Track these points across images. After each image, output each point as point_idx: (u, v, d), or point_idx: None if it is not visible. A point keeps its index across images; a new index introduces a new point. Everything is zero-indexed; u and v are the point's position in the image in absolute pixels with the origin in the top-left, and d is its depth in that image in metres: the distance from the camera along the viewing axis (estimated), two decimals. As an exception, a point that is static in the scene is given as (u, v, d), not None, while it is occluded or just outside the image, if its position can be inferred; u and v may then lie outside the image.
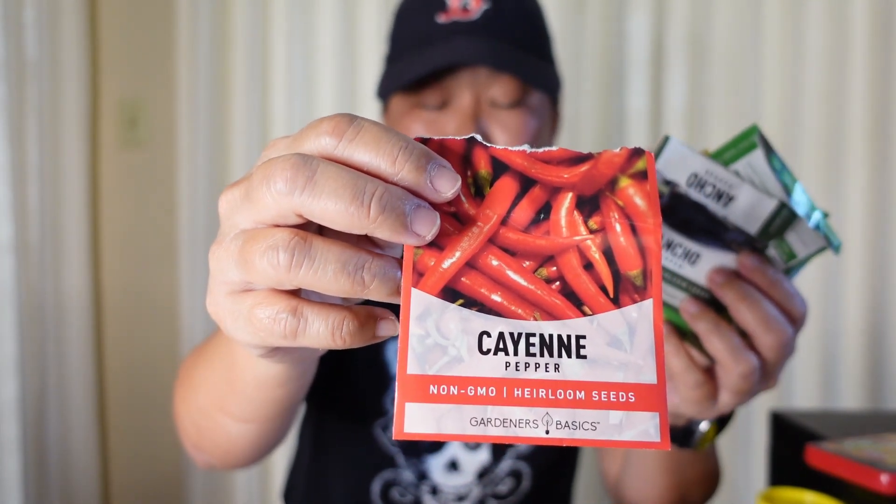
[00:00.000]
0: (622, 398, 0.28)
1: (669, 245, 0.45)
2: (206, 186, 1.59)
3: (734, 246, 0.45)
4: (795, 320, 0.47)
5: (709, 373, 0.49)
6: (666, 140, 0.43)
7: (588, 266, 0.29)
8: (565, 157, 0.30)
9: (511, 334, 0.28)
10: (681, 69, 1.49)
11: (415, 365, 0.27)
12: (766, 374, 0.48)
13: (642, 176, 0.30)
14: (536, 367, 0.28)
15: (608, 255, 0.29)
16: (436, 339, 0.28)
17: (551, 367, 0.28)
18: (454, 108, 0.72)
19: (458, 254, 0.29)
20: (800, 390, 1.47)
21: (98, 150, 1.59)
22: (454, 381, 0.27)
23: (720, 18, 1.47)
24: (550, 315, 0.29)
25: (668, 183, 0.43)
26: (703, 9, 1.47)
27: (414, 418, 0.27)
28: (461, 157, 0.30)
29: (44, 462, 1.45)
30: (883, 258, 1.45)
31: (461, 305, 0.28)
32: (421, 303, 0.28)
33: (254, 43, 1.56)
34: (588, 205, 0.30)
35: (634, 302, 0.29)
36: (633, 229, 0.29)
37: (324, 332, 0.28)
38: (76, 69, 1.48)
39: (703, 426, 0.56)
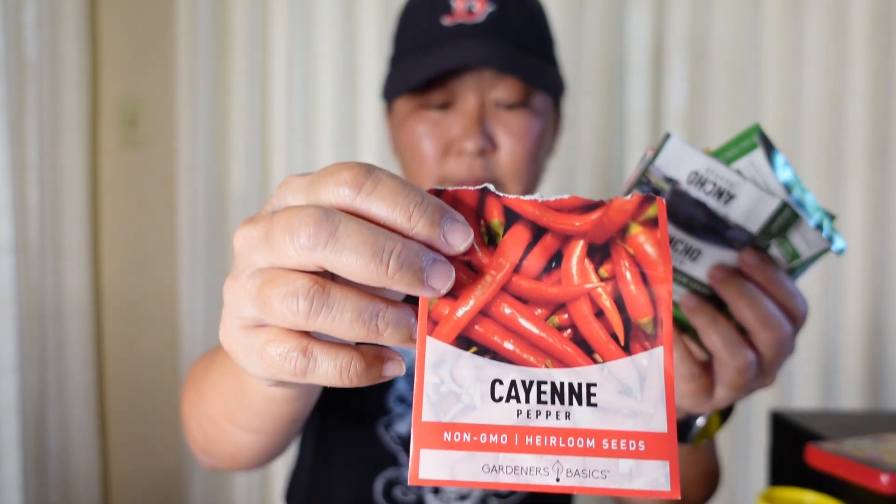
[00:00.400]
0: (632, 446, 0.28)
1: (670, 241, 0.45)
2: (205, 186, 1.59)
3: (736, 244, 0.45)
4: (795, 319, 0.47)
5: (707, 368, 0.49)
6: (667, 137, 0.43)
7: (599, 314, 0.30)
8: (577, 204, 0.30)
9: (523, 382, 0.29)
10: (681, 69, 1.49)
11: (430, 412, 0.28)
12: (763, 370, 0.48)
13: (653, 223, 0.30)
14: (548, 415, 0.28)
15: (619, 302, 0.30)
16: (450, 387, 0.29)
17: (562, 415, 0.28)
18: (459, 110, 0.73)
19: (471, 302, 0.29)
20: (800, 390, 1.47)
21: (98, 151, 1.59)
22: (467, 429, 0.28)
23: (720, 18, 1.47)
24: (562, 363, 0.29)
25: (668, 180, 0.43)
26: (703, 9, 1.47)
27: (428, 465, 0.28)
28: (474, 207, 0.30)
29: (44, 462, 1.45)
30: (883, 258, 1.45)
31: (474, 353, 0.29)
32: (436, 351, 0.29)
33: (254, 43, 1.56)
34: (599, 252, 0.30)
35: (645, 349, 0.29)
36: (644, 277, 0.30)
37: (332, 372, 0.29)
38: (76, 69, 1.48)
39: (701, 421, 0.56)
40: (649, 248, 0.30)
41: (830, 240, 0.46)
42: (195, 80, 1.58)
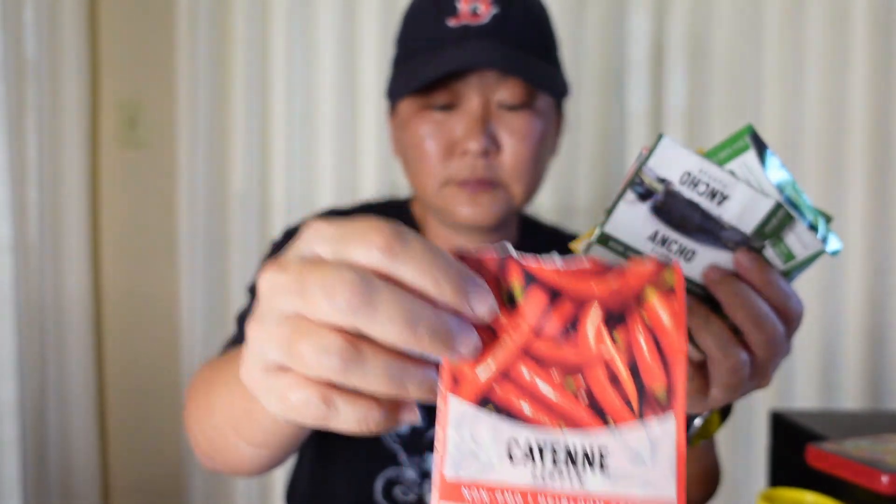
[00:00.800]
0: None
1: (664, 241, 0.45)
2: (205, 186, 1.59)
3: (730, 244, 0.45)
4: (790, 320, 0.47)
5: (700, 369, 0.49)
6: (659, 138, 0.43)
7: (614, 379, 0.30)
8: (594, 269, 0.31)
9: (538, 444, 0.30)
10: (681, 69, 1.49)
11: (451, 469, 0.30)
12: (757, 371, 0.48)
13: (670, 291, 0.31)
14: (561, 478, 0.30)
15: (633, 369, 0.30)
16: (469, 446, 0.30)
17: (575, 479, 0.30)
18: (463, 111, 0.73)
19: (491, 363, 0.31)
20: (800, 390, 1.47)
21: (98, 151, 1.59)
22: (486, 487, 0.30)
23: (720, 18, 1.47)
24: (576, 427, 0.30)
25: (661, 181, 0.42)
26: (703, 9, 1.47)
27: None
28: (495, 272, 0.31)
29: (44, 462, 1.45)
30: (883, 258, 1.45)
31: (493, 412, 0.30)
32: (458, 410, 0.30)
33: (253, 43, 1.56)
34: (615, 319, 0.31)
35: (658, 417, 0.30)
36: (658, 345, 0.30)
37: (351, 421, 0.30)
38: (76, 69, 1.48)
39: (698, 421, 0.56)
40: (665, 317, 0.30)
41: (825, 240, 0.46)
42: (195, 79, 1.58)
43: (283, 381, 0.30)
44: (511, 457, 0.30)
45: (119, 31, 1.60)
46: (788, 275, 0.48)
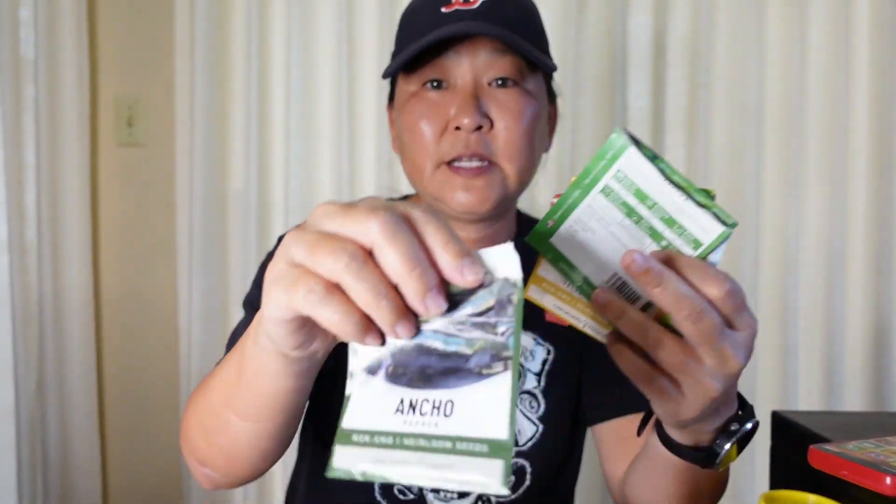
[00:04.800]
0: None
1: (413, 405, 0.40)
2: (203, 185, 1.59)
3: (481, 368, 0.40)
4: (713, 300, 0.46)
5: (659, 370, 0.49)
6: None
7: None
8: None
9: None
10: (681, 69, 1.49)
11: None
12: (706, 351, 0.46)
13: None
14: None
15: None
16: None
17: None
18: (455, 89, 0.75)
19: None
20: (802, 392, 1.47)
21: (96, 149, 1.58)
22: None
23: (720, 18, 1.47)
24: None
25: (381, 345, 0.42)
26: (703, 9, 1.47)
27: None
28: None
29: (44, 462, 1.44)
30: (885, 260, 1.44)
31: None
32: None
33: (252, 42, 1.56)
34: None
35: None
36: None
37: (335, 316, 0.37)
38: (74, 67, 1.48)
39: (727, 447, 0.55)
40: None
41: (721, 220, 0.46)
42: (194, 78, 1.57)
43: (299, 269, 0.37)
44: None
45: (117, 29, 1.60)
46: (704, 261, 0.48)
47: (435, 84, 0.75)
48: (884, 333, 1.45)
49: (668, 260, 0.46)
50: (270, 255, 0.85)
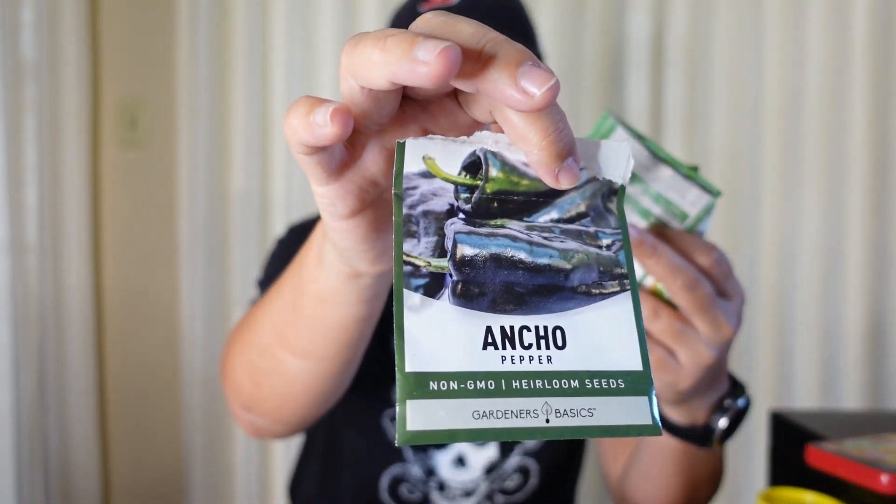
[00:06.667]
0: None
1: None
2: (205, 186, 1.59)
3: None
4: (704, 269, 0.48)
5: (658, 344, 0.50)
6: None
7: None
8: None
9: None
10: (681, 69, 1.49)
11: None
12: (701, 318, 0.48)
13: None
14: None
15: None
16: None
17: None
18: None
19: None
20: (800, 390, 1.47)
21: (98, 150, 1.59)
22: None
23: (720, 18, 1.47)
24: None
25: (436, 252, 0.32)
26: (703, 8, 1.47)
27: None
28: None
29: (44, 462, 1.45)
30: (883, 258, 1.45)
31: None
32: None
33: (253, 43, 1.56)
34: None
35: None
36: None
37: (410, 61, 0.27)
38: (76, 68, 1.48)
39: (723, 423, 0.57)
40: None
41: (708, 190, 0.48)
42: (195, 79, 1.58)
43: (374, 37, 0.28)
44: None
45: (119, 30, 1.60)
46: (691, 232, 0.50)
47: None
48: (881, 331, 1.46)
49: (659, 234, 0.47)
50: (275, 251, 0.86)
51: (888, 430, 0.77)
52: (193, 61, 1.58)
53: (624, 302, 0.30)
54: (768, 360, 1.49)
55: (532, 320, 0.29)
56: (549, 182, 0.28)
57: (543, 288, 0.30)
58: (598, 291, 0.30)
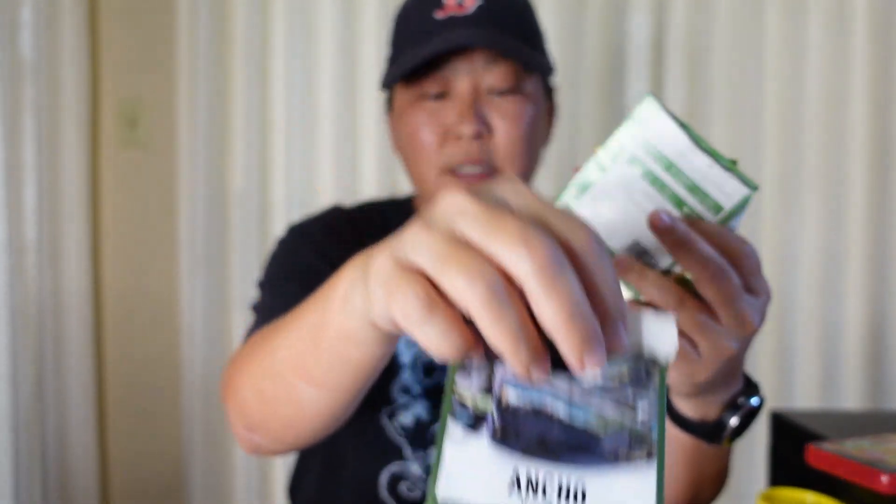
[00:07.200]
0: None
1: (533, 485, 0.34)
2: (205, 186, 1.59)
3: (619, 452, 0.36)
4: (733, 262, 0.47)
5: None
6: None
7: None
8: None
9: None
10: (681, 69, 1.49)
11: None
12: (726, 313, 0.47)
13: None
14: None
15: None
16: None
17: None
18: (454, 97, 0.76)
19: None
20: (800, 390, 1.47)
21: (97, 151, 1.59)
22: None
23: (720, 18, 1.47)
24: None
25: (486, 392, 0.35)
26: (703, 8, 1.47)
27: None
28: None
29: (42, 463, 1.45)
30: (884, 258, 1.45)
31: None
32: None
33: (253, 43, 1.56)
34: None
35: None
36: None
37: (435, 334, 0.30)
38: (75, 68, 1.48)
39: (734, 421, 0.57)
40: None
41: (746, 183, 0.47)
42: (195, 79, 1.58)
43: (406, 275, 0.30)
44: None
45: (119, 30, 1.60)
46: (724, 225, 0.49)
47: (433, 93, 0.76)
48: (882, 331, 1.46)
49: (691, 224, 0.46)
50: (275, 253, 0.86)
51: (888, 430, 0.77)
52: (193, 61, 1.58)
53: (648, 471, 0.31)
54: (768, 360, 1.49)
55: (558, 472, 0.31)
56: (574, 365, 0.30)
57: (575, 446, 0.32)
58: (625, 457, 0.32)
